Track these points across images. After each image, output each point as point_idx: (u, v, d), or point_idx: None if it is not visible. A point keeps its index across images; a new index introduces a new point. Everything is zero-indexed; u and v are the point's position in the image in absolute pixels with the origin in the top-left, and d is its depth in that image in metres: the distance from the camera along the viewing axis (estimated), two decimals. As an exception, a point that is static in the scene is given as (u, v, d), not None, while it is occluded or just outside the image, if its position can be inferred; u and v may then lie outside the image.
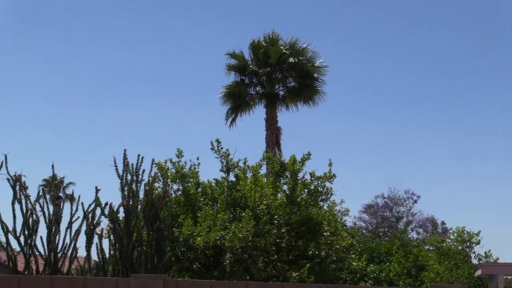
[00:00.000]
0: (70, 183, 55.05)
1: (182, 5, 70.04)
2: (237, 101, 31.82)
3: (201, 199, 13.69)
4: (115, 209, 10.05)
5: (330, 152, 52.46)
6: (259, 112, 32.43)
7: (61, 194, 12.41)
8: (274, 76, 31.66)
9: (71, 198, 10.55)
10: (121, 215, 10.18)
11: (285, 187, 14.13)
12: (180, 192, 13.89)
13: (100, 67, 75.93)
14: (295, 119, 46.63)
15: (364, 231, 30.61)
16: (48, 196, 10.65)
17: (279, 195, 13.92)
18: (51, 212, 10.22)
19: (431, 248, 23.12)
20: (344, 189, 51.19)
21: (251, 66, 31.36)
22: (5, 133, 73.65)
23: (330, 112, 64.72)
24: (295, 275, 12.07)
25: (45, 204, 10.33)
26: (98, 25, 74.35)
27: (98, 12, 71.99)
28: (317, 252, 12.87)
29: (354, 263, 14.17)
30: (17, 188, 10.21)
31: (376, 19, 63.47)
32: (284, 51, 30.99)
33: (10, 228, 10.05)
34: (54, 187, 14.43)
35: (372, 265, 15.68)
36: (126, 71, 76.99)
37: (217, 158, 14.14)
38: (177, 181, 13.90)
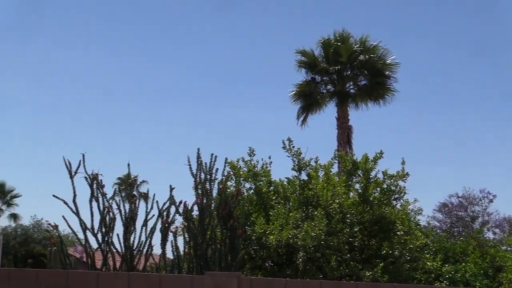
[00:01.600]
0: (144, 181, 56.11)
1: (253, 2, 70.33)
2: (308, 99, 31.79)
3: (273, 198, 13.73)
4: (189, 208, 10.19)
5: (402, 150, 51.92)
6: (329, 110, 32.36)
7: (135, 192, 12.65)
8: (345, 74, 31.49)
9: (145, 196, 10.70)
10: (195, 213, 10.32)
11: (357, 185, 14.04)
12: (252, 191, 13.96)
13: (172, 66, 76.97)
14: (365, 117, 46.30)
15: (438, 231, 30.11)
16: (123, 194, 10.85)
17: (351, 193, 13.84)
18: (127, 210, 10.44)
19: (508, 248, 22.58)
20: (417, 188, 50.54)
21: (321, 64, 31.26)
22: (82, 131, 75.39)
23: (400, 109, 64.05)
24: (368, 274, 11.98)
25: (121, 202, 10.56)
26: (174, 24, 75.40)
27: (175, 13, 73.01)
28: (390, 252, 12.75)
29: (428, 263, 13.95)
30: (94, 186, 10.46)
31: (450, 12, 62.38)
32: (355, 48, 30.80)
33: (88, 226, 10.31)
34: (129, 186, 14.66)
35: (447, 265, 15.38)
36: (198, 69, 77.82)
37: (288, 157, 14.15)
38: (249, 179, 13.98)
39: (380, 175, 13.71)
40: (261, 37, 72.21)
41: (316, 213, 12.61)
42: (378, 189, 13.68)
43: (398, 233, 13.18)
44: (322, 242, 12.13)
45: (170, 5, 75.13)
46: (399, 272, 12.53)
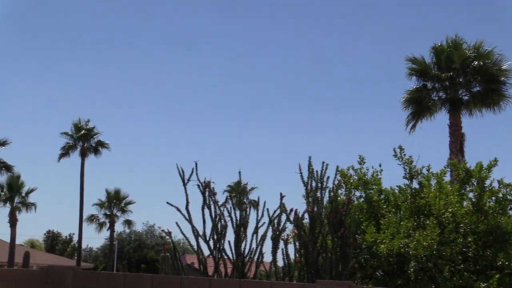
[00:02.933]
0: (253, 188, 56.61)
1: (363, 9, 69.89)
2: (418, 106, 31.26)
3: (384, 206, 13.55)
4: (300, 215, 10.21)
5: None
6: (440, 118, 31.68)
7: (245, 200, 12.78)
8: (458, 81, 30.76)
9: (254, 203, 10.79)
10: (306, 221, 10.33)
11: (470, 194, 13.67)
12: (362, 199, 13.84)
13: (281, 74, 77.42)
14: (479, 125, 45.07)
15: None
16: (232, 202, 10.99)
17: (464, 203, 13.48)
18: (238, 218, 10.56)
19: None
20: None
21: (433, 71, 30.69)
22: (194, 139, 76.84)
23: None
24: (483, 285, 11.64)
25: (232, 210, 10.70)
26: (286, 26, 75.87)
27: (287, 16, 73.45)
28: (507, 263, 12.33)
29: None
30: (207, 194, 10.65)
31: None
32: (468, 54, 30.05)
33: (200, 232, 10.50)
34: (240, 193, 14.84)
35: None
36: (306, 76, 77.98)
37: (399, 165, 13.95)
38: (359, 188, 13.86)
39: (495, 184, 13.31)
40: (372, 43, 71.70)
41: (428, 222, 12.37)
42: (493, 198, 13.27)
43: (515, 244, 12.73)
44: (434, 252, 11.88)
45: (290, 9, 75.73)
46: (516, 284, 12.11)
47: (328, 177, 10.43)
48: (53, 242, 78.60)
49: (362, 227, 12.79)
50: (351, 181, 13.84)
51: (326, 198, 10.48)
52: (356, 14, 74.35)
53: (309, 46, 77.92)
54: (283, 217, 10.31)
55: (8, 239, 48.19)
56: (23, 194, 49.14)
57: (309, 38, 77.79)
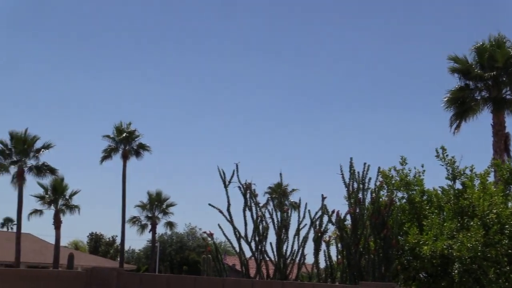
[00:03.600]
0: (294, 190, 56.52)
1: (402, 8, 69.37)
2: (461, 106, 30.95)
3: (427, 207, 13.41)
4: (342, 217, 10.17)
5: None
6: (484, 117, 31.30)
7: (286, 202, 12.78)
8: (501, 80, 30.36)
9: (295, 205, 10.76)
10: (348, 222, 10.28)
11: (515, 195, 13.46)
12: (404, 200, 13.71)
13: (323, 76, 77.21)
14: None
15: None
16: (273, 203, 10.99)
17: (509, 203, 13.28)
18: (279, 219, 10.55)
19: None
20: None
21: (475, 70, 30.34)
22: (234, 140, 77.08)
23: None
24: (529, 288, 11.46)
25: (273, 211, 10.69)
26: (325, 31, 75.67)
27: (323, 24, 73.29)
28: (553, 265, 12.12)
29: None
30: (248, 195, 10.65)
31: None
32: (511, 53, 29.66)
33: (242, 234, 10.51)
34: (281, 195, 14.84)
35: None
36: (348, 77, 77.63)
37: (442, 165, 13.79)
38: (401, 189, 13.73)
39: (542, 185, 13.09)
40: (412, 43, 71.10)
41: (472, 223, 12.21)
42: (540, 199, 13.05)
43: (563, 246, 12.50)
44: (479, 254, 11.72)
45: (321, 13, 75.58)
46: None
47: (370, 178, 10.37)
48: (96, 243, 79.46)
49: (405, 228, 12.67)
50: (393, 182, 13.72)
51: (368, 199, 10.42)
52: (397, 15, 73.84)
53: (350, 48, 77.64)
54: (325, 218, 10.28)
55: (52, 241, 48.85)
56: (67, 197, 49.74)
57: (350, 41, 77.50)
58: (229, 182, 10.66)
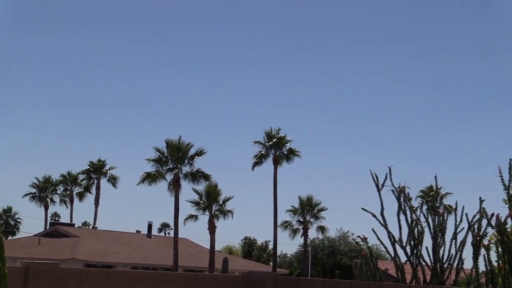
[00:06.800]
0: (448, 193, 54.95)
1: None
2: None
3: None
4: (502, 220, 9.77)
5: None
6: None
7: (440, 205, 12.40)
8: None
9: (450, 208, 10.44)
10: (509, 226, 9.87)
11: None
12: None
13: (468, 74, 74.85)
14: None
15: None
16: (425, 207, 10.74)
17: None
18: (436, 222, 10.31)
19: None
20: None
21: None
22: (386, 143, 76.11)
23: None
24: None
25: (428, 215, 10.46)
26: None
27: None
28: None
29: None
30: (402, 199, 10.48)
31: None
32: None
33: (397, 238, 10.35)
34: (435, 198, 14.43)
35: None
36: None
37: None
38: None
39: None
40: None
41: None
42: None
43: None
44: None
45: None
46: None
47: (532, 180, 9.90)
48: (250, 248, 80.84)
49: None
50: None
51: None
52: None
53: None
54: (484, 222, 9.91)
55: (208, 246, 50.13)
56: (221, 202, 50.82)
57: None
58: (382, 185, 10.53)
